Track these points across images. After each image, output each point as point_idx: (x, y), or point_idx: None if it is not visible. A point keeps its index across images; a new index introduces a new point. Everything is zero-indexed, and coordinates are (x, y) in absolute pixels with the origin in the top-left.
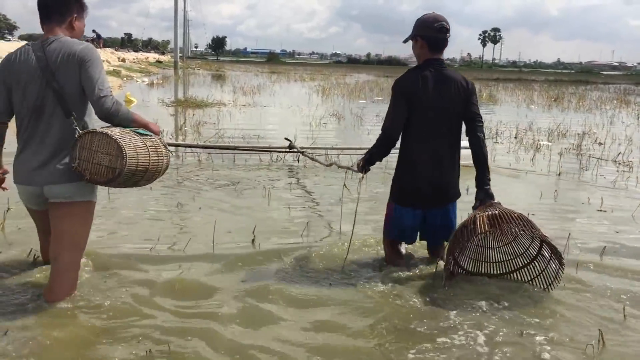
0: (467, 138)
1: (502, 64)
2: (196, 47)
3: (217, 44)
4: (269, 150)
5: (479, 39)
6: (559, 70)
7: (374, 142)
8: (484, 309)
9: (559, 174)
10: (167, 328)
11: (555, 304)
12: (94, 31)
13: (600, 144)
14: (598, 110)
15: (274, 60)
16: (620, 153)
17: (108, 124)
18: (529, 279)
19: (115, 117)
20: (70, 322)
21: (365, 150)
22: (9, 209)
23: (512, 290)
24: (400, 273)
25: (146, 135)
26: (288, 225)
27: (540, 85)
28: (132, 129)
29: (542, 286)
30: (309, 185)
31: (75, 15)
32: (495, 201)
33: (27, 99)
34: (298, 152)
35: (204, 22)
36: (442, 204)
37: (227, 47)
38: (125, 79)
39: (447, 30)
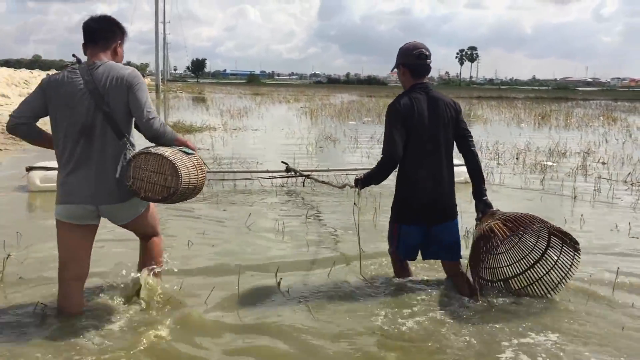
0: (461, 154)
1: (479, 82)
2: (175, 70)
3: (197, 66)
4: (271, 176)
5: (456, 57)
6: (536, 87)
7: (373, 164)
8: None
9: (575, 197)
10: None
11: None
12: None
13: (603, 163)
14: (589, 128)
15: (255, 82)
16: (629, 173)
17: (152, 144)
18: (545, 272)
19: (162, 137)
20: None
21: (361, 171)
22: (8, 255)
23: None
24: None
25: (191, 153)
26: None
27: (523, 102)
28: (177, 148)
29: (558, 278)
30: (319, 209)
31: (119, 41)
32: (494, 209)
33: (77, 120)
34: (301, 175)
35: (185, 45)
36: (444, 220)
37: (207, 69)
38: None
39: (427, 57)
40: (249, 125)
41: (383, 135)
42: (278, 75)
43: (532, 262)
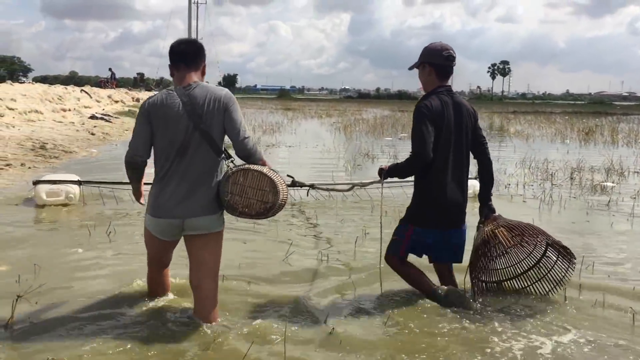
0: (477, 159)
1: (511, 96)
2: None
3: (229, 81)
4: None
5: (488, 71)
6: (571, 102)
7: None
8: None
9: None
10: None
11: None
12: (110, 69)
13: None
14: (639, 145)
15: (285, 97)
16: None
17: (243, 162)
18: (538, 279)
19: (253, 156)
20: None
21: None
22: (18, 297)
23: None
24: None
25: (275, 171)
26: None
27: (561, 117)
28: (266, 167)
29: (550, 286)
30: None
31: (205, 62)
32: (497, 214)
33: (175, 139)
34: (306, 186)
35: (217, 61)
36: (462, 224)
37: (238, 84)
38: None
39: (454, 59)
40: (282, 141)
41: (412, 133)
42: (308, 90)
43: (527, 268)
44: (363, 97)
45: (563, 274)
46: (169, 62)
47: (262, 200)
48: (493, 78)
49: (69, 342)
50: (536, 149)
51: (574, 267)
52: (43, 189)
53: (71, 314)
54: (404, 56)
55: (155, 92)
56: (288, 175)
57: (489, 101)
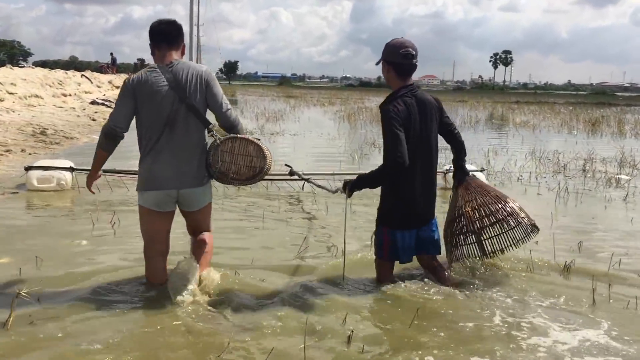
0: (450, 144)
1: (513, 86)
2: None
3: (230, 68)
4: (270, 179)
5: (490, 61)
6: (573, 92)
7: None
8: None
9: None
10: None
11: None
12: (111, 54)
13: None
14: None
15: (286, 84)
16: None
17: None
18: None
19: (236, 126)
20: None
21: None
22: (18, 294)
23: None
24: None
25: (259, 139)
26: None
27: (565, 107)
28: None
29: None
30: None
31: (184, 43)
32: (470, 176)
33: (161, 114)
34: (302, 179)
35: (219, 47)
36: (432, 218)
37: (239, 72)
38: None
39: (413, 56)
40: (286, 129)
41: (385, 140)
42: (309, 78)
43: (489, 224)
44: (364, 86)
45: (521, 237)
46: (149, 42)
47: (251, 165)
48: (495, 67)
49: (74, 342)
50: (544, 140)
51: (534, 235)
52: (34, 175)
53: (77, 310)
54: None
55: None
56: (286, 165)
57: (491, 90)
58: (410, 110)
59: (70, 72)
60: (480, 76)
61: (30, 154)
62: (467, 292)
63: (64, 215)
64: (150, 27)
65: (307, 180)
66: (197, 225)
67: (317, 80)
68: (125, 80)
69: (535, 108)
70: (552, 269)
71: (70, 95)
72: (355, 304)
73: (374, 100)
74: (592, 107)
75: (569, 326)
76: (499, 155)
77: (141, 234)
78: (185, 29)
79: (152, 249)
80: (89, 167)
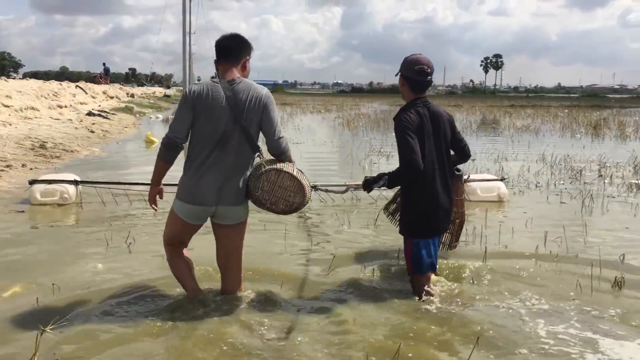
0: (457, 157)
1: (504, 90)
2: (199, 80)
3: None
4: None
5: (481, 65)
6: (565, 95)
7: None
8: None
9: None
10: None
11: None
12: (104, 64)
13: None
14: None
15: (279, 91)
16: None
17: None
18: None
19: (285, 155)
20: None
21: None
22: (43, 332)
23: None
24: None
25: (302, 172)
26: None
27: (561, 111)
28: (293, 164)
29: None
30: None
31: (248, 57)
32: (460, 174)
33: (216, 130)
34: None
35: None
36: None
37: None
38: (137, 115)
39: (428, 74)
40: (289, 138)
41: (399, 146)
42: (300, 84)
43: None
44: (356, 92)
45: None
46: (214, 58)
47: (289, 200)
48: (486, 72)
49: None
50: (550, 144)
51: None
52: (38, 188)
53: (102, 347)
54: (396, 50)
55: (147, 86)
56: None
57: (482, 94)
58: (423, 120)
59: (65, 83)
60: (471, 80)
61: (31, 169)
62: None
63: (74, 233)
64: (216, 42)
65: (315, 187)
66: (227, 246)
67: (308, 87)
68: (185, 91)
69: (531, 111)
70: (603, 282)
71: (66, 106)
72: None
73: (369, 107)
74: (588, 110)
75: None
76: (509, 161)
77: (165, 229)
78: (175, 38)
79: (171, 243)
80: (95, 181)
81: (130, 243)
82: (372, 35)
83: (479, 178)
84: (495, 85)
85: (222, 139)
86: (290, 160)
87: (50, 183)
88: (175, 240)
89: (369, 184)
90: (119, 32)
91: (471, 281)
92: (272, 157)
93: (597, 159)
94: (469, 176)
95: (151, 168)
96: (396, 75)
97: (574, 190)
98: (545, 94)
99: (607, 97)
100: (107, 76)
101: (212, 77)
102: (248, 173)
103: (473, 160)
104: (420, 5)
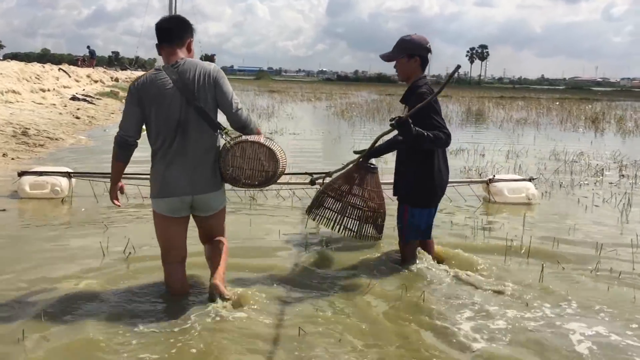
0: None
1: (488, 81)
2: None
3: (208, 61)
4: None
5: (466, 55)
6: (551, 87)
7: None
8: None
9: None
10: None
11: None
12: (88, 47)
13: None
14: None
15: (265, 78)
16: None
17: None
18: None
19: (248, 126)
20: None
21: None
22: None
23: None
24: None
25: (271, 139)
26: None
27: (551, 103)
28: (261, 135)
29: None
30: None
31: (191, 38)
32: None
33: (170, 118)
34: (325, 175)
35: (199, 40)
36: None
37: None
38: (123, 100)
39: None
40: (284, 128)
41: (434, 118)
42: (285, 72)
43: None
44: (342, 80)
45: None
46: (155, 42)
47: (263, 170)
48: (471, 62)
49: None
50: (556, 139)
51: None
52: (27, 180)
53: None
54: (382, 39)
55: (131, 70)
56: (307, 173)
57: (468, 85)
58: (434, 95)
59: (47, 66)
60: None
61: (13, 158)
62: None
63: (67, 237)
64: (155, 25)
65: (327, 174)
66: (211, 230)
67: (293, 74)
68: (130, 86)
69: (522, 103)
70: None
71: (49, 90)
72: None
73: (358, 95)
74: (578, 103)
75: None
76: (520, 157)
77: (157, 240)
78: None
79: (169, 255)
80: (89, 171)
81: (129, 253)
82: (358, 24)
83: (507, 178)
84: (480, 76)
85: (179, 125)
86: (257, 132)
87: (40, 175)
88: (171, 247)
89: (407, 126)
90: (102, 15)
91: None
92: (237, 134)
93: (610, 156)
94: (494, 176)
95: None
96: (390, 60)
97: (602, 192)
98: (529, 85)
99: (592, 90)
100: (92, 59)
101: (155, 66)
102: (217, 155)
103: (482, 155)
104: None
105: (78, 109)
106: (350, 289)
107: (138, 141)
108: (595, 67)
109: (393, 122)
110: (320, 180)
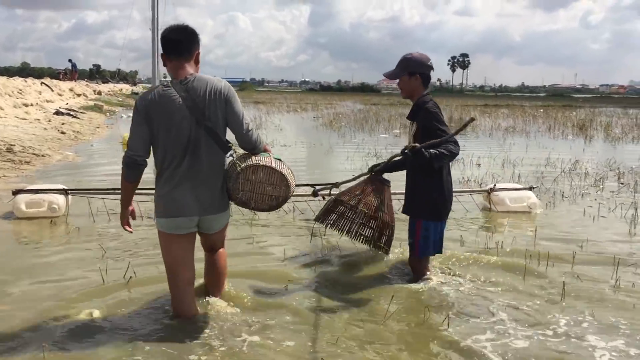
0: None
1: (470, 89)
2: (165, 77)
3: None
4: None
5: (448, 64)
6: (532, 95)
7: None
8: None
9: None
10: None
11: None
12: (70, 61)
13: None
14: None
15: (249, 89)
16: None
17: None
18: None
19: (258, 147)
20: None
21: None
22: None
23: None
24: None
25: (281, 160)
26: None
27: (536, 110)
28: (272, 156)
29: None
30: None
31: (199, 50)
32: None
33: (180, 137)
34: (332, 186)
35: None
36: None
37: None
38: (108, 114)
39: (434, 68)
40: (275, 140)
41: (442, 129)
42: (268, 82)
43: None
44: (325, 90)
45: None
46: (161, 52)
47: (274, 195)
48: (453, 71)
49: None
50: (548, 147)
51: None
52: (23, 199)
53: None
54: (364, 48)
55: (113, 83)
56: (310, 185)
57: (450, 93)
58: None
59: (30, 80)
60: (439, 79)
61: None
62: None
63: (64, 262)
64: (161, 35)
65: (334, 184)
66: (214, 244)
67: (276, 84)
68: (136, 102)
69: (507, 111)
70: None
71: (32, 105)
72: None
73: (344, 105)
74: (562, 110)
75: None
76: (517, 166)
77: (164, 262)
78: (140, 34)
79: (177, 278)
80: (85, 188)
81: (130, 277)
82: (340, 34)
83: (507, 187)
84: (461, 84)
85: (188, 146)
86: (265, 150)
87: (36, 193)
88: (179, 266)
89: (420, 154)
90: (83, 28)
91: None
92: (245, 152)
93: (605, 163)
94: (495, 185)
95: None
96: (393, 77)
97: (605, 201)
98: (510, 93)
99: (573, 97)
100: (74, 72)
101: (163, 81)
102: (224, 176)
103: (479, 165)
104: (388, 4)
105: (63, 124)
106: (367, 310)
107: (147, 160)
108: (574, 74)
109: (407, 151)
110: (324, 192)
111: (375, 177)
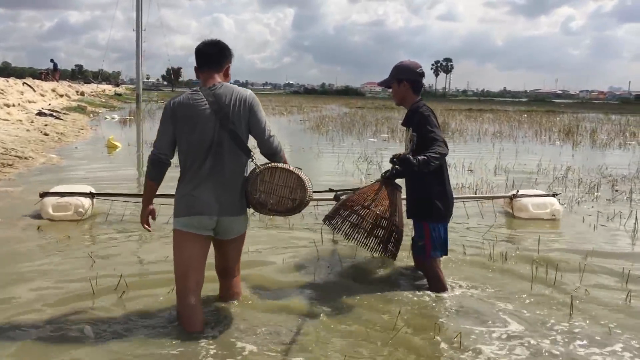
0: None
1: (452, 93)
2: (148, 78)
3: (175, 74)
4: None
5: (431, 68)
6: (515, 100)
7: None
8: None
9: None
10: None
11: None
12: (51, 60)
13: None
14: (629, 146)
15: None
16: None
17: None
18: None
19: (278, 154)
20: None
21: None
22: None
23: None
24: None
25: (300, 169)
26: None
27: (519, 115)
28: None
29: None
30: None
31: (229, 64)
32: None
33: (203, 139)
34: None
35: (167, 53)
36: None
37: (181, 78)
38: (91, 115)
39: (424, 75)
40: None
41: (434, 131)
42: (252, 84)
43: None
44: (309, 92)
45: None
46: (195, 64)
47: (291, 197)
48: (436, 75)
49: None
50: (538, 153)
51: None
52: (50, 202)
53: None
54: (348, 52)
55: (95, 83)
56: (330, 190)
57: (433, 98)
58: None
59: (12, 80)
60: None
61: None
62: None
63: (90, 272)
64: (196, 48)
65: (334, 194)
66: (228, 258)
67: (260, 87)
68: (166, 104)
69: (491, 116)
70: None
71: (14, 105)
72: None
73: (329, 109)
74: (546, 115)
75: None
76: (511, 173)
77: (174, 265)
78: (123, 34)
79: (188, 279)
80: (112, 193)
81: (123, 292)
82: (324, 37)
83: (530, 193)
84: (444, 88)
85: (212, 147)
86: (284, 161)
87: (63, 196)
88: (190, 269)
89: (408, 163)
90: (65, 28)
91: None
92: (266, 161)
93: (597, 170)
94: (517, 191)
95: (126, 175)
96: (384, 85)
97: (602, 209)
98: (493, 97)
99: (555, 102)
100: (56, 72)
101: (193, 87)
102: (244, 179)
103: (470, 171)
104: (372, 8)
105: (46, 125)
106: (375, 324)
107: (172, 157)
108: (555, 80)
109: (394, 160)
110: (345, 196)
111: (388, 181)
